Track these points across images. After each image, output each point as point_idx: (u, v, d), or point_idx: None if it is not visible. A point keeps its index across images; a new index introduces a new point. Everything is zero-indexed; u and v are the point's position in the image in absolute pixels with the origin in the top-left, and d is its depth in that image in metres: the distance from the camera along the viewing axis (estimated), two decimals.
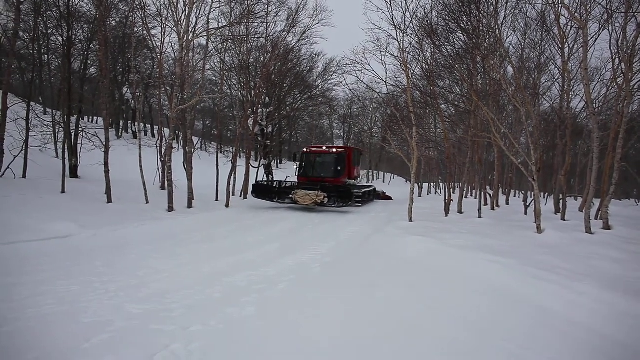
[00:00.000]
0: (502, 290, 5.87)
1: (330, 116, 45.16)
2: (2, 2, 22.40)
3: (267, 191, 16.66)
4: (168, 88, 18.88)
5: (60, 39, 19.24)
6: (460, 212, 14.01)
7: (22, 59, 20.94)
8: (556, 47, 14.30)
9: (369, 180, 41.10)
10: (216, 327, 4.48)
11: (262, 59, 25.23)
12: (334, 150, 18.04)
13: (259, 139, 25.60)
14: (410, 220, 11.94)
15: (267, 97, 25.38)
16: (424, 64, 15.57)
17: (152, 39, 16.64)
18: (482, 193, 15.90)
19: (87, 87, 25.28)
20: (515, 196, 25.55)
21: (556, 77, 16.05)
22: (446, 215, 13.32)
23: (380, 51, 12.60)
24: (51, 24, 19.01)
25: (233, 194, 20.36)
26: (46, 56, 21.71)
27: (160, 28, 16.11)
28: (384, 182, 42.99)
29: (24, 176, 14.93)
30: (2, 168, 14.12)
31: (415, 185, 18.74)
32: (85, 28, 21.19)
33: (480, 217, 12.66)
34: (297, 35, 28.05)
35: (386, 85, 14.23)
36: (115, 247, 8.62)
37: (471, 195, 22.55)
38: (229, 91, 31.22)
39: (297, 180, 18.35)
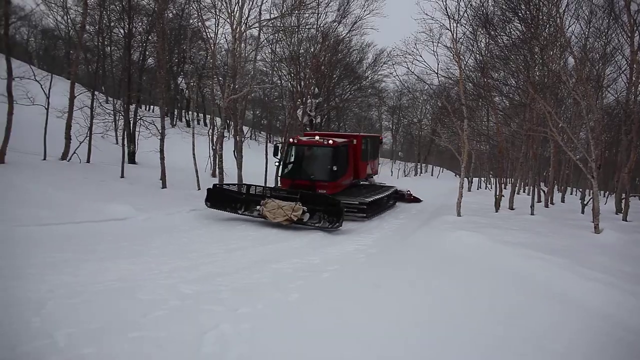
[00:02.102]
0: (551, 289, 5.66)
1: (379, 108, 44.68)
2: None
3: (227, 199, 11.12)
4: (220, 78, 19.38)
5: (121, 31, 20.21)
6: (511, 208, 13.55)
7: (87, 50, 22.19)
8: (625, 36, 13.40)
9: (417, 174, 40.45)
10: (263, 310, 4.65)
11: (312, 49, 25.33)
12: (330, 142, 12.30)
13: (307, 129, 25.82)
14: (459, 214, 11.70)
15: (316, 88, 25.50)
16: (477, 55, 15.09)
17: (206, 31, 17.10)
18: (536, 189, 15.29)
19: (145, 77, 26.41)
20: (572, 194, 24.34)
21: (623, 69, 15.04)
22: (496, 211, 12.94)
23: (432, 42, 12.29)
24: (114, 17, 19.97)
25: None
26: (109, 48, 22.88)
27: (214, 20, 16.49)
28: (432, 175, 42.14)
29: (88, 161, 15.88)
30: (69, 153, 15.10)
31: (465, 179, 18.24)
32: (145, 20, 22.09)
33: (532, 214, 12.20)
34: (347, 26, 27.95)
35: (437, 77, 13.90)
36: (168, 230, 9.05)
37: (524, 192, 21.67)
38: (279, 82, 31.62)
39: (279, 183, 13.52)
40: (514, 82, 15.31)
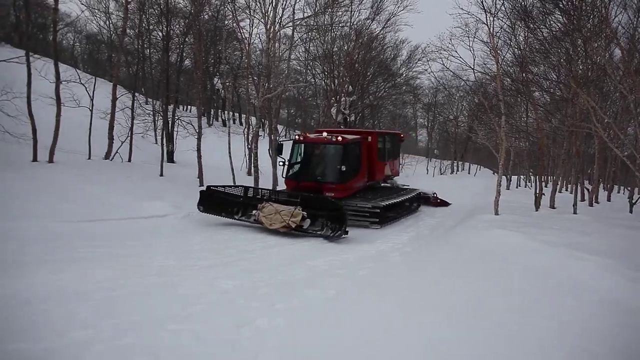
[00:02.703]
0: (595, 291, 5.42)
1: (414, 105, 44.08)
2: (113, 2, 24.65)
3: (222, 203, 10.06)
4: (255, 78, 19.65)
5: (160, 34, 20.79)
6: (552, 207, 13.08)
7: (128, 53, 22.99)
8: None
9: (453, 172, 39.66)
10: (298, 306, 4.70)
11: (345, 47, 25.29)
12: (338, 139, 11.02)
13: (342, 127, 25.80)
14: (496, 213, 11.40)
15: (350, 86, 25.43)
16: (516, 49, 14.64)
17: (241, 31, 17.38)
18: (579, 187, 14.70)
19: (183, 78, 27.13)
20: (619, 192, 23.27)
21: None
22: (536, 210, 12.52)
23: (468, 37, 12.00)
24: (153, 20, 20.58)
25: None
26: (148, 50, 23.59)
27: (248, 20, 16.73)
28: (469, 173, 41.23)
29: (129, 160, 16.47)
30: (112, 153, 15.70)
31: (504, 177, 17.70)
32: (182, 23, 22.66)
33: (575, 212, 11.75)
34: (381, 23, 27.71)
35: (474, 73, 13.58)
36: (206, 227, 9.29)
37: (566, 190, 20.87)
38: (313, 80, 31.73)
39: (284, 185, 11.99)
40: (555, 77, 14.78)
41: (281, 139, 13.31)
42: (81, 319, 3.97)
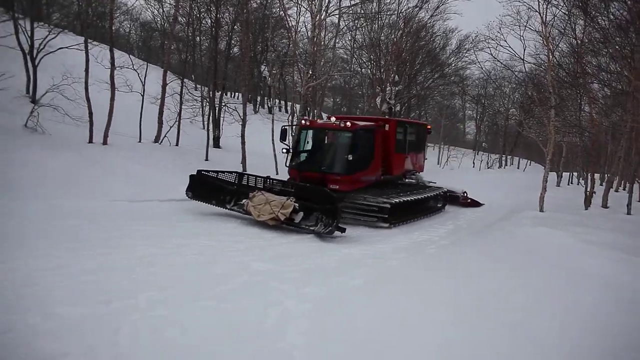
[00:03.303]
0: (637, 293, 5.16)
1: (463, 96, 42.84)
2: None
3: (214, 189, 9.20)
4: (302, 66, 19.75)
5: (209, 21, 21.27)
6: (605, 206, 12.43)
7: (179, 40, 23.69)
8: None
9: (501, 166, 38.33)
10: (326, 292, 4.78)
11: (393, 36, 24.89)
12: (347, 124, 9.80)
13: (387, 117, 25.52)
14: (541, 210, 10.99)
15: (396, 75, 25.04)
16: (572, 39, 13.89)
17: (288, 19, 17.50)
18: (638, 186, 13.83)
19: (230, 65, 27.65)
20: None
21: None
22: (586, 209, 11.95)
23: (519, 25, 11.52)
24: (203, 8, 21.07)
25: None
26: (198, 38, 24.21)
27: (295, 8, 16.80)
28: (518, 168, 39.74)
29: (177, 144, 17.06)
30: (161, 137, 16.33)
31: (554, 173, 16.93)
32: (230, 10, 23.04)
33: (629, 213, 11.11)
34: (429, 11, 27.03)
35: (524, 64, 13.02)
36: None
37: (624, 189, 19.69)
38: (359, 69, 31.50)
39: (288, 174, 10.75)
40: (616, 68, 13.89)
41: (286, 124, 11.43)
42: (122, 291, 4.25)
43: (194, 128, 20.47)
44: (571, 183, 26.08)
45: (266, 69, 32.35)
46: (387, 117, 17.73)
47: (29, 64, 15.66)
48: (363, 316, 4.15)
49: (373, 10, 22.45)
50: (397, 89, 25.01)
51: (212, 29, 19.86)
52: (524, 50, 12.53)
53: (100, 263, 5.04)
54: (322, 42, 18.09)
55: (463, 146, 44.33)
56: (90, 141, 13.23)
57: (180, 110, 17.32)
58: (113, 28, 15.85)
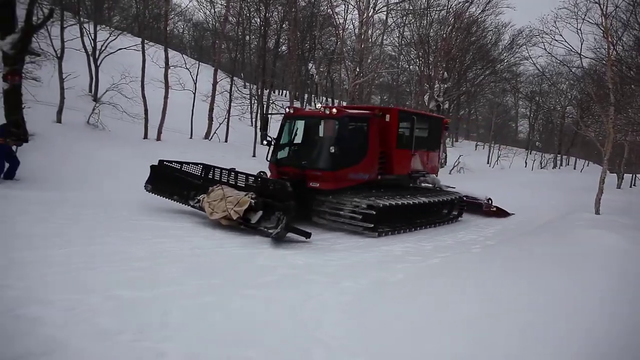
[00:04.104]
0: None
1: (515, 93, 41.29)
2: None
3: (176, 182, 8.16)
4: (349, 63, 19.80)
5: (258, 20, 21.73)
6: None
7: (229, 40, 24.38)
8: None
9: (555, 166, 36.65)
10: (365, 286, 4.85)
11: (442, 32, 24.41)
12: (333, 111, 8.54)
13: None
14: (597, 212, 10.49)
15: (445, 72, 24.56)
16: (637, 32, 13.10)
17: (336, 17, 17.59)
18: None
19: (278, 63, 28.12)
20: None
21: None
22: None
23: (576, 18, 10.98)
24: (252, 7, 21.57)
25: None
26: (247, 37, 24.82)
27: (343, 6, 16.87)
28: (574, 168, 37.86)
29: (226, 140, 17.62)
30: (211, 133, 16.94)
31: (614, 174, 16.01)
32: (279, 9, 23.44)
33: None
34: (481, 5, 26.27)
35: (580, 59, 12.40)
36: None
37: None
38: (406, 66, 31.12)
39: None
40: None
41: (269, 112, 10.12)
42: (172, 278, 4.53)
43: (243, 125, 21.03)
44: (634, 185, 24.62)
45: (313, 67, 32.65)
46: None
47: (92, 65, 16.65)
48: (401, 311, 4.18)
49: (422, 6, 22.13)
50: (445, 86, 24.52)
51: (261, 28, 20.30)
52: (582, 44, 11.94)
53: (152, 251, 5.41)
54: (370, 39, 18.05)
55: (515, 145, 42.66)
56: (145, 137, 13.95)
57: (230, 108, 17.86)
58: (167, 29, 16.56)
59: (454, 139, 42.43)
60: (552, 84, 30.32)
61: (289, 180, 7.93)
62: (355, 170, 8.76)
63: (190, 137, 16.23)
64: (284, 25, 23.85)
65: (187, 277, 4.53)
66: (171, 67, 15.26)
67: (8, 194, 7.57)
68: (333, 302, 4.20)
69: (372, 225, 7.80)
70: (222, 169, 8.07)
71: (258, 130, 8.62)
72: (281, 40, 26.20)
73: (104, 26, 18.15)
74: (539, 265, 6.32)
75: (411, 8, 22.28)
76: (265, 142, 9.39)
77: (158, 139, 14.13)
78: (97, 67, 16.49)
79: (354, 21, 25.79)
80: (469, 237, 8.75)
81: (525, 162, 34.68)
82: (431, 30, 25.00)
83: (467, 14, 24.84)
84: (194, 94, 16.86)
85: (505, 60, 32.81)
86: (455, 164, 22.60)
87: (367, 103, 22.80)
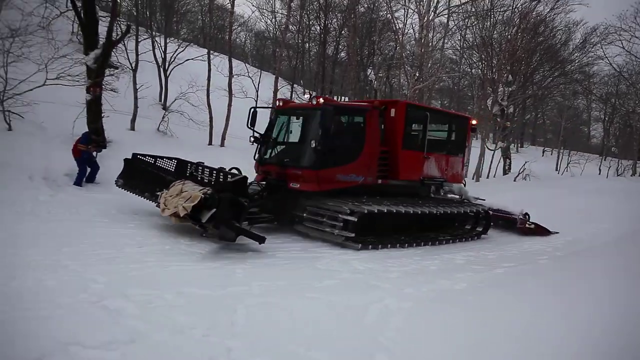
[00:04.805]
0: None
1: (588, 95, 38.81)
2: (279, 2, 26.90)
3: (148, 177, 7.55)
4: (408, 68, 19.61)
5: (318, 28, 22.06)
6: None
7: (289, 48, 24.96)
8: None
9: (634, 173, 33.89)
10: (426, 293, 4.79)
11: (506, 33, 23.53)
12: (320, 101, 7.44)
13: (498, 119, 24.19)
14: None
15: (510, 75, 23.62)
16: None
17: (395, 22, 17.51)
18: None
19: (337, 69, 28.34)
20: None
21: None
22: None
23: None
24: (312, 15, 21.96)
25: (465, 176, 20.05)
26: (307, 44, 25.27)
27: (403, 10, 16.78)
28: None
29: None
30: None
31: None
32: (339, 16, 23.68)
33: None
34: (550, 3, 25.05)
35: None
36: None
37: None
38: (468, 69, 30.28)
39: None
40: None
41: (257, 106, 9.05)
42: (239, 278, 4.74)
43: None
44: None
45: (372, 73, 32.61)
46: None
47: (162, 75, 17.68)
48: (465, 320, 4.07)
49: (485, 8, 21.48)
50: (510, 89, 23.58)
51: (321, 35, 20.60)
52: None
53: (219, 252, 5.71)
54: (430, 44, 17.78)
55: (587, 151, 40.05)
56: (210, 143, 14.59)
57: None
58: (231, 39, 17.25)
59: (519, 145, 40.62)
60: (631, 85, 28.25)
61: (273, 180, 7.65)
62: (345, 170, 7.59)
63: (252, 143, 16.72)
64: (343, 32, 24.04)
65: (252, 278, 4.71)
66: (235, 76, 15.87)
67: (90, 197, 8.24)
68: (395, 308, 4.18)
69: (353, 235, 6.70)
70: (191, 163, 7.38)
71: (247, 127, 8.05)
72: (340, 46, 26.41)
73: (172, 39, 19.22)
74: (605, 282, 5.91)
75: (473, 10, 21.70)
76: (252, 140, 8.47)
77: (222, 144, 14.72)
78: (166, 78, 17.49)
79: (413, 25, 25.55)
80: (535, 247, 8.33)
81: (599, 169, 32.43)
82: (495, 32, 24.16)
83: (534, 13, 23.79)
84: (256, 101, 17.39)
85: (577, 61, 31.00)
86: (521, 170, 21.63)
87: None
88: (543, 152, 39.39)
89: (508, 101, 23.67)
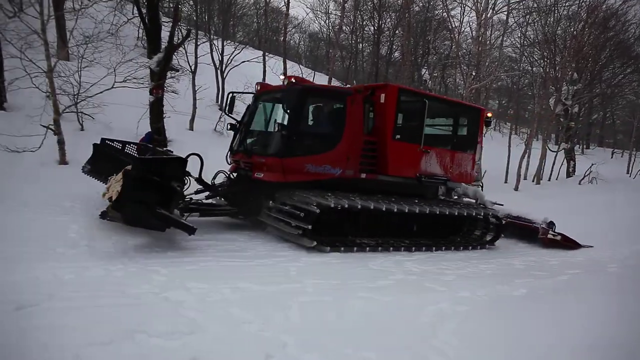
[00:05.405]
0: None
1: None
2: (332, 3, 27.02)
3: (117, 165, 6.58)
4: (465, 67, 19.07)
5: (371, 28, 21.95)
6: None
7: (343, 48, 25.00)
8: None
9: None
10: (482, 297, 4.63)
11: (572, 29, 22.29)
12: (292, 81, 6.90)
13: (561, 119, 22.98)
14: None
15: (575, 73, 22.37)
16: None
17: (451, 20, 17.07)
18: None
19: (391, 69, 28.06)
20: None
21: None
22: None
23: None
24: (366, 16, 21.88)
25: (524, 178, 19.22)
26: (360, 45, 25.20)
27: (459, 8, 16.33)
28: None
29: None
30: None
31: None
32: (392, 16, 23.43)
33: None
34: None
35: None
36: None
37: None
38: (529, 68, 28.98)
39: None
40: None
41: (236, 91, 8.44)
42: (292, 276, 4.84)
43: None
44: None
45: (427, 72, 32.01)
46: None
47: (219, 77, 18.26)
48: (526, 328, 3.89)
49: (548, 3, 20.47)
50: (575, 88, 22.33)
51: (375, 36, 20.47)
52: None
53: (272, 251, 5.83)
54: (488, 42, 17.17)
55: None
56: None
57: None
58: (285, 41, 17.54)
59: (584, 146, 38.35)
60: None
61: (242, 170, 7.01)
62: (318, 161, 6.73)
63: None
64: (397, 32, 23.76)
65: (305, 276, 4.77)
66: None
67: None
68: (450, 311, 4.08)
69: (304, 230, 5.89)
70: (157, 149, 7.02)
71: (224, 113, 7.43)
72: (394, 46, 26.13)
73: (229, 41, 19.80)
74: None
75: (535, 6, 20.73)
76: (229, 127, 7.82)
77: None
78: (223, 79, 18.04)
79: (470, 23, 24.81)
80: (601, 255, 7.79)
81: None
82: (558, 28, 22.96)
83: (603, 7, 22.38)
84: None
85: None
86: (587, 173, 20.41)
87: (485, 108, 21.63)
88: (612, 154, 36.89)
89: (573, 100, 22.42)
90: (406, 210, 6.74)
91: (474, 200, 8.91)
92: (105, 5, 12.33)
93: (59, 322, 3.03)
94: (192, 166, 6.07)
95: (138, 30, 18.93)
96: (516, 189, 16.14)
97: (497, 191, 14.63)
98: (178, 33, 12.19)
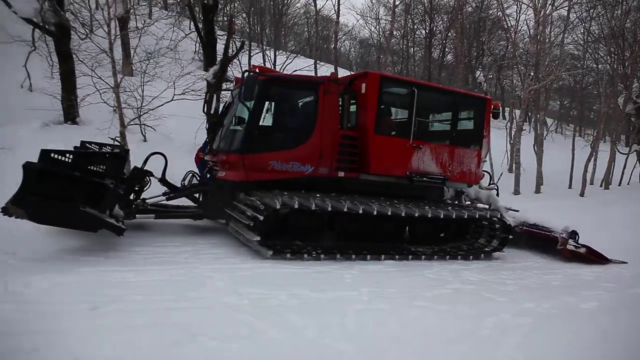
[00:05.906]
0: None
1: None
2: (382, 8, 26.93)
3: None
4: (522, 67, 18.32)
5: (423, 32, 21.64)
6: None
7: (394, 53, 24.80)
8: None
9: None
10: (549, 310, 4.40)
11: None
12: (257, 72, 6.31)
13: (632, 119, 21.47)
14: None
15: None
16: None
17: (507, 19, 16.48)
18: None
19: (444, 73, 27.47)
20: None
21: None
22: None
23: None
24: (417, 19, 21.61)
25: (591, 183, 18.08)
26: (412, 49, 24.88)
27: (515, 7, 15.74)
28: None
29: None
30: None
31: None
32: (444, 18, 22.97)
33: None
34: None
35: None
36: None
37: None
38: (594, 65, 27.37)
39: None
40: None
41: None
42: (347, 284, 4.84)
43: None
44: None
45: (481, 74, 31.02)
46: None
47: None
48: (595, 344, 3.65)
49: None
50: None
51: (426, 39, 20.16)
52: None
53: (325, 260, 5.80)
54: (547, 40, 16.40)
55: None
56: None
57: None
58: (336, 48, 17.64)
59: None
60: None
61: (211, 170, 6.63)
62: (284, 157, 6.14)
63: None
64: (449, 34, 23.26)
65: (361, 284, 4.75)
66: None
67: None
68: (513, 323, 3.90)
69: (259, 227, 5.35)
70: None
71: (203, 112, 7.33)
72: (446, 49, 25.57)
73: (281, 51, 20.21)
74: None
75: None
76: (207, 126, 7.40)
77: None
78: None
79: (528, 22, 23.83)
80: None
81: None
82: (627, 21, 21.49)
83: None
84: None
85: None
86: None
87: (544, 110, 20.65)
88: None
89: None
90: (360, 211, 5.88)
91: (487, 205, 7.99)
92: (165, 22, 12.98)
93: None
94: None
95: (195, 44, 19.73)
96: (582, 194, 15.17)
97: (560, 197, 13.92)
98: (232, 45, 12.58)
